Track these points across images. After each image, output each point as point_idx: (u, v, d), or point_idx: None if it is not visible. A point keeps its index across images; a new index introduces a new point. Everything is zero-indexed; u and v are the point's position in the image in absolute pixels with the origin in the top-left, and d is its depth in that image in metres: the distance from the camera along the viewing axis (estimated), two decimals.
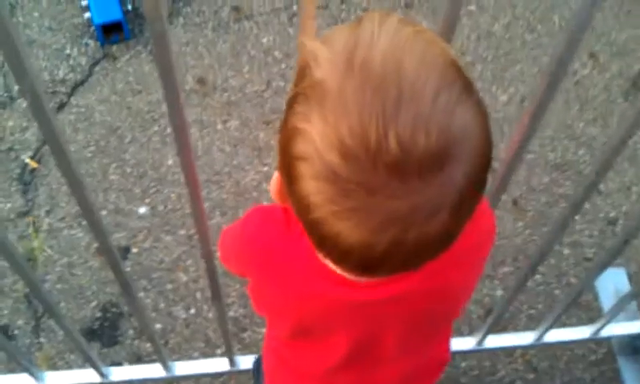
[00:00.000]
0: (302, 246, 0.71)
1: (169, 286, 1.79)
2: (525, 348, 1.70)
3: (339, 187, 0.55)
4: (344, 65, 0.55)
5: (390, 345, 0.86)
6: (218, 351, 1.68)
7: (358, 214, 0.55)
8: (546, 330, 1.55)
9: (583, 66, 2.28)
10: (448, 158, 0.54)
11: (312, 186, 0.57)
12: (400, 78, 0.54)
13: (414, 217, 0.55)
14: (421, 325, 0.86)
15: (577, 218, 1.99)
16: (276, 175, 0.70)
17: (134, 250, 1.85)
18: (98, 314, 1.75)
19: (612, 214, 2.00)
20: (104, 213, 1.91)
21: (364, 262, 0.59)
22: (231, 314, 1.72)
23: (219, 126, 2.10)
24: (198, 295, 1.78)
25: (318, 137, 0.55)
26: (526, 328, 1.67)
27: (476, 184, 0.58)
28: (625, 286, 1.83)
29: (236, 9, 2.35)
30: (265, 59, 2.25)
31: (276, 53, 2.27)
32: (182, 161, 0.87)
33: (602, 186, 2.05)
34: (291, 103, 0.60)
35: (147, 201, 1.94)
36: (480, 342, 1.58)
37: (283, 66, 2.24)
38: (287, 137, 0.59)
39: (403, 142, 0.52)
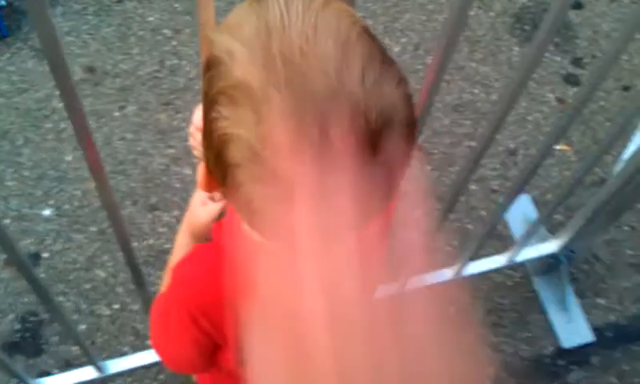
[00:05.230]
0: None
1: (87, 286, 1.73)
2: (446, 283, 1.77)
3: (284, 188, 0.53)
4: (263, 59, 0.52)
5: None
6: (148, 342, 1.65)
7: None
8: (464, 264, 1.62)
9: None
10: (385, 136, 0.54)
11: (255, 191, 0.55)
12: (324, 65, 0.52)
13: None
14: None
15: None
16: (201, 167, 0.68)
17: (45, 255, 1.78)
18: (18, 326, 1.68)
19: (512, 146, 2.09)
20: (7, 221, 1.82)
21: None
22: None
23: (116, 114, 2.03)
24: (120, 289, 1.73)
25: (254, 140, 0.53)
26: (445, 265, 1.74)
27: (408, 151, 0.58)
28: (531, 211, 1.94)
29: None
30: (154, 38, 2.19)
31: (165, 30, 2.21)
32: (85, 154, 0.84)
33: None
34: (212, 104, 0.56)
35: (51, 202, 1.86)
36: (403, 285, 1.63)
37: (174, 42, 2.19)
38: (219, 145, 0.56)
39: (344, 134, 0.51)
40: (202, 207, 0.94)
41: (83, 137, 0.83)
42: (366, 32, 0.56)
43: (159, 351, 0.89)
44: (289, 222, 0.56)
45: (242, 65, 0.53)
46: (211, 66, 0.56)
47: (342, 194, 0.55)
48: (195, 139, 0.83)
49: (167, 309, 0.82)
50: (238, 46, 0.54)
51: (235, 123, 0.54)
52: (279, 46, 0.52)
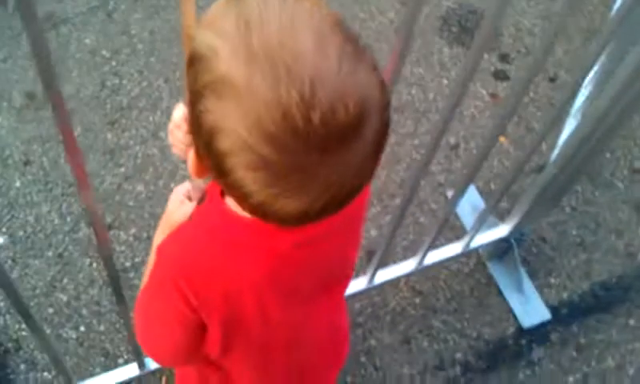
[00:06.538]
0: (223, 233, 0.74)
1: (50, 310, 1.68)
2: (407, 276, 1.82)
3: (273, 172, 0.57)
4: (245, 54, 0.55)
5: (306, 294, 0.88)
6: (120, 360, 1.61)
7: (295, 191, 0.59)
8: (425, 253, 1.68)
9: (397, 13, 2.44)
10: (363, 121, 0.58)
11: (247, 177, 0.58)
12: (303, 56, 0.55)
13: (344, 179, 0.60)
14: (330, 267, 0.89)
15: (422, 151, 2.15)
16: (191, 155, 0.69)
17: None
18: None
19: (452, 141, 2.18)
20: None
21: (302, 221, 0.63)
22: None
23: (62, 137, 1.98)
24: (84, 311, 1.68)
25: (243, 131, 0.56)
26: (404, 258, 1.79)
27: (385, 132, 0.62)
28: (478, 200, 2.02)
29: (50, 15, 2.22)
30: (93, 60, 2.16)
31: (103, 51, 2.18)
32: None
33: (437, 117, 2.23)
34: (197, 98, 0.59)
35: (4, 230, 1.79)
36: (370, 280, 1.67)
37: (114, 63, 2.16)
38: (208, 136, 0.59)
39: (326, 120, 0.55)
40: (180, 207, 0.95)
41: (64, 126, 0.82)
42: (339, 23, 0.60)
43: (144, 339, 0.88)
44: (279, 204, 0.60)
45: (225, 60, 0.56)
46: (195, 62, 0.59)
47: (328, 176, 0.59)
48: (175, 136, 0.84)
49: (153, 287, 0.82)
50: (220, 43, 0.57)
51: (222, 116, 0.57)
52: (259, 41, 0.55)
